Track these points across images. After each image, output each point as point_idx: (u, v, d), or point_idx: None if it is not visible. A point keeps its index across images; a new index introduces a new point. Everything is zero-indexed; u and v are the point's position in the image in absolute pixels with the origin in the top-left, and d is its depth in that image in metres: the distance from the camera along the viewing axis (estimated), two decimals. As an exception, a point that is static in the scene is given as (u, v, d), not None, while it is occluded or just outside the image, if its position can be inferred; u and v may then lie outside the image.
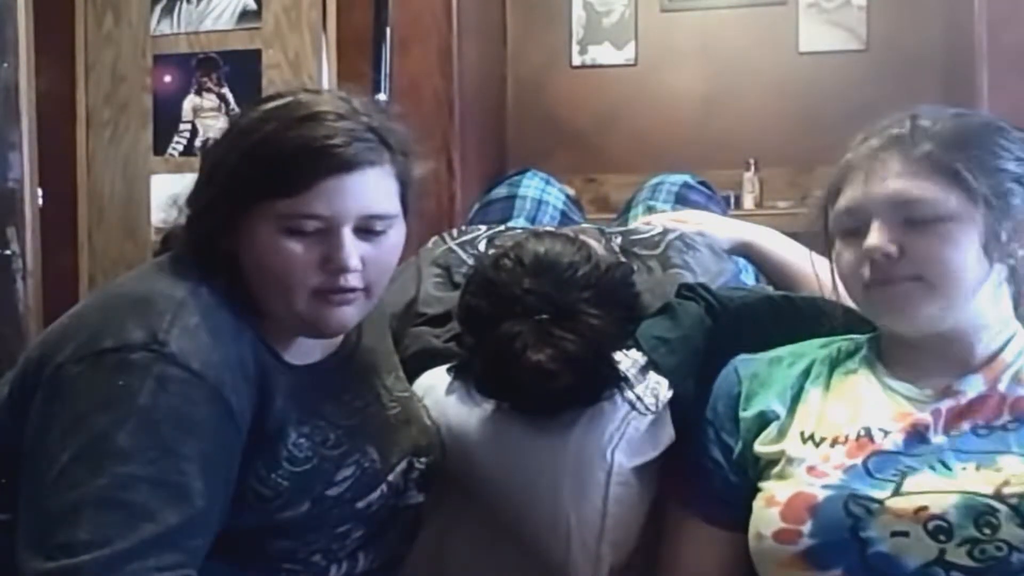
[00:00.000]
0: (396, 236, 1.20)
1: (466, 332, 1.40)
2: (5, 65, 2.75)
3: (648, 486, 1.37)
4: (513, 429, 1.38)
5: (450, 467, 1.40)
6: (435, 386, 1.45)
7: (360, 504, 1.23)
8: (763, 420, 1.25)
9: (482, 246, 1.76)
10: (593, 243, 1.44)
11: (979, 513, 1.06)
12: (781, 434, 1.22)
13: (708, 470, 1.28)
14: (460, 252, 1.75)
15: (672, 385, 1.36)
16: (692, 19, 4.30)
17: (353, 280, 1.16)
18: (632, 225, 1.90)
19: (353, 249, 1.15)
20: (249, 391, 1.12)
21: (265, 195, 1.12)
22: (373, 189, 1.16)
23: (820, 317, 1.40)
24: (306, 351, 1.24)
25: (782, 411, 1.25)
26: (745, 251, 1.82)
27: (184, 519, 1.00)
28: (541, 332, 1.28)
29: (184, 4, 3.30)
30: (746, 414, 1.26)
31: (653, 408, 1.34)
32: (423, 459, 1.33)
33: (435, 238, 1.83)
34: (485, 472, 1.40)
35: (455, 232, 1.84)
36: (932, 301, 1.18)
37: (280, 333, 1.21)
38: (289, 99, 1.18)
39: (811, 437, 1.20)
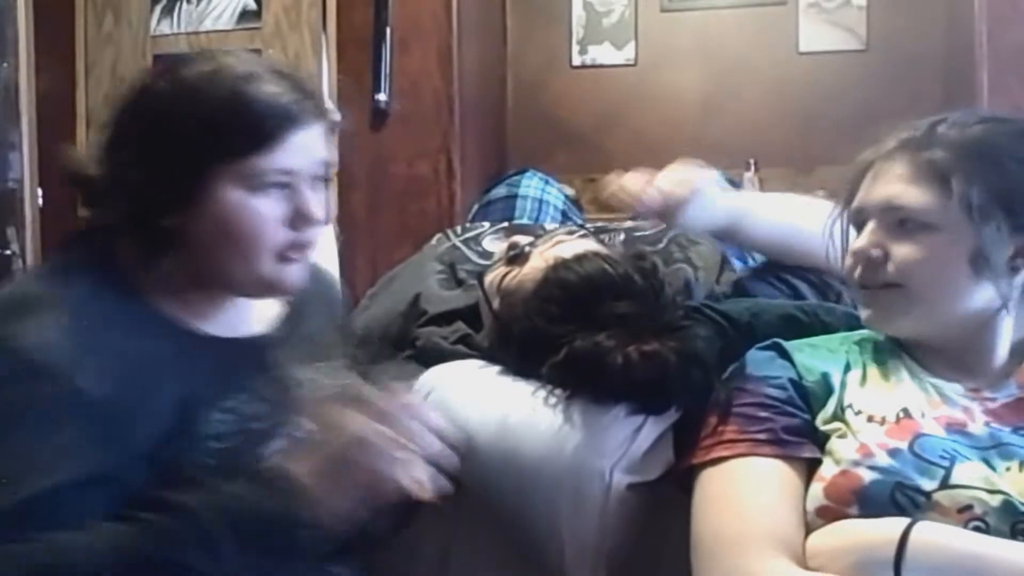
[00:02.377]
0: (331, 188, 1.23)
1: (559, 319, 1.37)
2: (5, 65, 2.75)
3: (646, 504, 1.36)
4: (515, 437, 1.37)
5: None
6: (437, 387, 1.45)
7: None
8: (827, 381, 1.23)
9: (486, 243, 1.75)
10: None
11: (1016, 520, 1.06)
12: (836, 416, 1.20)
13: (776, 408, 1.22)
14: (464, 249, 1.75)
15: (681, 407, 1.35)
16: (692, 19, 4.29)
17: (314, 234, 1.18)
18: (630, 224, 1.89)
19: (316, 201, 1.17)
20: (134, 376, 1.10)
21: (234, 155, 1.12)
22: (326, 141, 1.19)
23: (833, 325, 1.39)
24: (234, 323, 1.23)
25: (838, 378, 1.23)
26: (731, 237, 1.70)
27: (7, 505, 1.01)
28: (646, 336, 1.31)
29: (184, 4, 3.30)
30: (811, 379, 1.24)
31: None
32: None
33: (439, 235, 1.83)
34: (486, 476, 1.39)
35: (459, 229, 1.84)
36: (911, 310, 1.18)
37: (202, 306, 1.20)
38: (214, 61, 1.17)
39: (860, 412, 1.19)
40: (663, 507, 1.32)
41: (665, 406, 1.34)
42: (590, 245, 1.50)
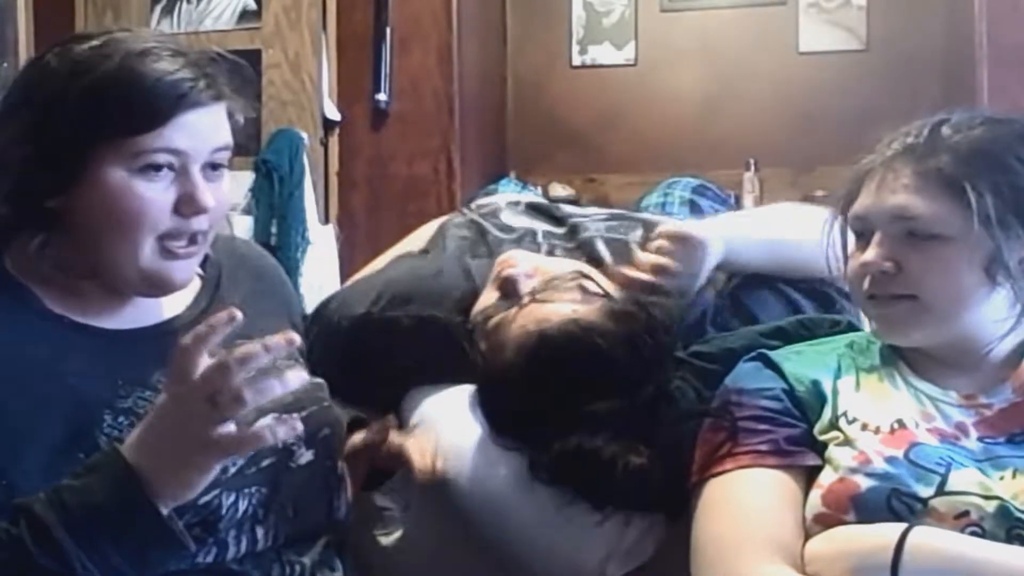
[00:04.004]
0: (227, 176, 1.17)
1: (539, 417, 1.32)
2: (5, 65, 2.75)
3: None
4: (513, 520, 1.35)
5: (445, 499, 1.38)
6: (433, 421, 1.42)
7: None
8: (818, 389, 1.22)
9: (504, 216, 1.67)
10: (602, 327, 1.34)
11: (1012, 526, 1.06)
12: (833, 425, 1.20)
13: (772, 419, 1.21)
14: (484, 223, 1.66)
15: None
16: (692, 19, 4.30)
17: (204, 223, 1.14)
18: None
19: (207, 187, 1.12)
20: (12, 387, 1.06)
21: (119, 132, 1.08)
22: (222, 123, 1.14)
23: (816, 334, 1.37)
24: (138, 313, 1.19)
25: (829, 386, 1.22)
26: (722, 268, 1.55)
27: None
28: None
29: (184, 4, 3.30)
30: (801, 389, 1.23)
31: None
32: (296, 415, 1.20)
33: (450, 216, 1.74)
34: (483, 538, 1.38)
35: (472, 205, 1.75)
36: (926, 322, 1.17)
37: (97, 297, 1.16)
38: (107, 36, 1.13)
39: (854, 420, 1.19)
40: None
41: (656, 510, 1.32)
42: (580, 310, 1.36)
